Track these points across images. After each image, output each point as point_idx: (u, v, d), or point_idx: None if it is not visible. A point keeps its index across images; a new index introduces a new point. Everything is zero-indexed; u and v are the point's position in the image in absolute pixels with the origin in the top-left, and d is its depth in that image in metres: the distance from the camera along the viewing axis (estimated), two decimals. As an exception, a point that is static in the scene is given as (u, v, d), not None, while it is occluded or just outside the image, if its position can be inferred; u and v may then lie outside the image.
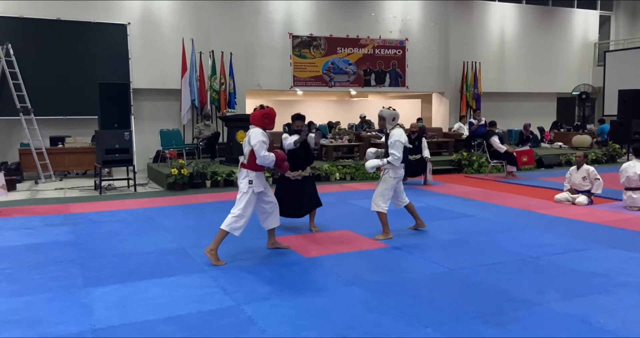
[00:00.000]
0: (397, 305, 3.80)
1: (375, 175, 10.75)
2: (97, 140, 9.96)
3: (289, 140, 5.83)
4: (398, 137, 5.60)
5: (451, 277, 4.48)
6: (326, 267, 4.75)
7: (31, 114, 11.04)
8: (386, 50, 15.76)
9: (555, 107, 17.40)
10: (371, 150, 6.02)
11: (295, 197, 6.02)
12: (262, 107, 5.11)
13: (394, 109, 5.87)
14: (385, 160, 5.64)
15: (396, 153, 5.55)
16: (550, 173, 11.26)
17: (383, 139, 5.99)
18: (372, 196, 5.79)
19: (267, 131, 5.01)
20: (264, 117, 4.98)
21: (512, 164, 10.85)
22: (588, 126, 16.64)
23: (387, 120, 5.76)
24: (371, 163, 5.72)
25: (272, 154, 4.89)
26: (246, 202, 4.90)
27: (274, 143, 5.18)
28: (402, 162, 5.65)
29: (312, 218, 6.25)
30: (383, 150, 5.90)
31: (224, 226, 4.87)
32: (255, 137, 4.87)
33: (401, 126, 5.77)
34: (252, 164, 4.94)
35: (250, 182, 4.92)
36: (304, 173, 6.05)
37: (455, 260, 4.91)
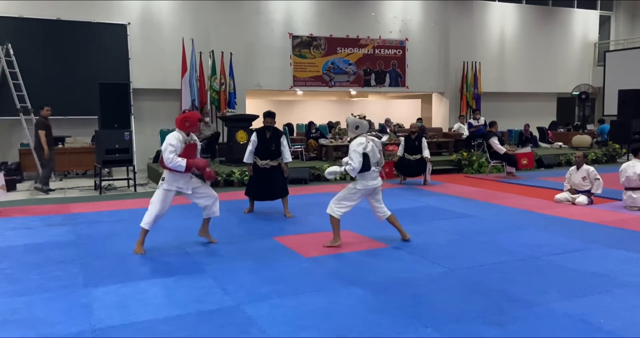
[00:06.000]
0: (397, 305, 3.80)
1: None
2: (97, 140, 9.96)
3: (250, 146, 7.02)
4: (355, 147, 5.24)
5: (451, 277, 4.48)
6: (326, 267, 4.75)
7: (31, 114, 11.03)
8: (386, 50, 15.76)
9: (555, 107, 17.40)
10: (344, 159, 5.62)
11: (267, 182, 7.02)
12: (184, 111, 5.34)
13: (361, 117, 5.51)
14: (343, 168, 5.36)
15: (351, 163, 5.23)
16: (550, 173, 11.25)
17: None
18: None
19: (188, 135, 5.23)
20: (184, 121, 5.21)
21: (511, 165, 10.85)
22: (588, 126, 16.64)
23: (350, 128, 5.44)
24: (330, 169, 5.50)
25: (179, 159, 5.04)
26: (157, 197, 5.28)
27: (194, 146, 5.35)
28: (366, 170, 5.26)
29: (285, 206, 7.11)
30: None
31: (141, 223, 5.26)
32: (167, 139, 5.14)
33: (375, 134, 5.55)
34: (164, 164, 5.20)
35: (163, 178, 5.29)
36: (273, 163, 7.02)
37: (455, 260, 4.90)
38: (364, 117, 5.56)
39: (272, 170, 7.05)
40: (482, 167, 11.65)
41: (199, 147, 5.51)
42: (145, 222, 5.25)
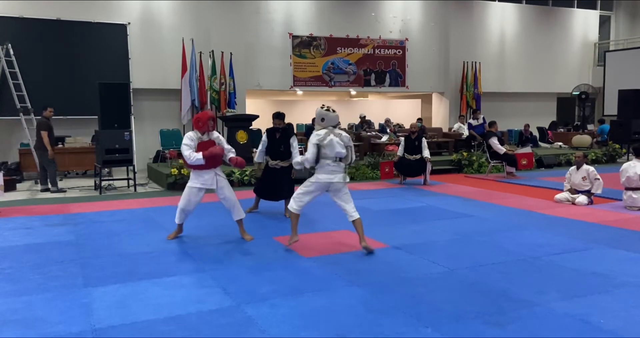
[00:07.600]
0: (397, 305, 3.80)
1: (375, 176, 10.75)
2: (97, 140, 9.96)
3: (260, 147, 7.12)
4: (311, 138, 5.19)
5: (451, 277, 4.48)
6: (326, 267, 4.75)
7: (31, 114, 11.02)
8: (386, 50, 15.76)
9: (555, 107, 17.41)
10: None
11: (274, 182, 7.07)
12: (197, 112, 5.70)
13: (328, 110, 5.30)
14: (302, 157, 5.35)
15: (306, 154, 5.21)
16: (550, 173, 11.25)
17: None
18: None
19: (203, 133, 5.58)
20: (197, 121, 5.60)
21: (511, 165, 10.85)
22: (588, 126, 16.64)
23: (316, 120, 5.30)
24: (296, 159, 5.56)
25: (195, 154, 5.40)
26: (184, 194, 5.72)
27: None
28: (316, 162, 5.16)
29: (286, 206, 6.90)
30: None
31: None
32: (183, 140, 5.56)
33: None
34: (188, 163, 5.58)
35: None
36: (283, 164, 7.02)
37: (455, 260, 4.90)
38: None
39: (282, 171, 7.07)
40: (482, 167, 11.66)
41: (220, 143, 5.70)
42: (178, 218, 5.78)
